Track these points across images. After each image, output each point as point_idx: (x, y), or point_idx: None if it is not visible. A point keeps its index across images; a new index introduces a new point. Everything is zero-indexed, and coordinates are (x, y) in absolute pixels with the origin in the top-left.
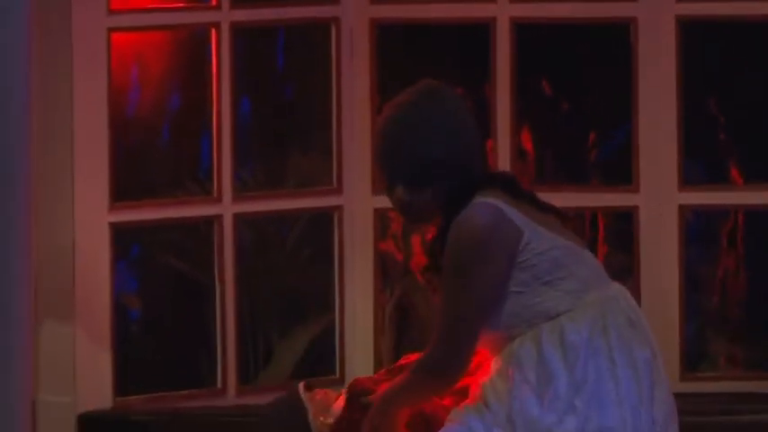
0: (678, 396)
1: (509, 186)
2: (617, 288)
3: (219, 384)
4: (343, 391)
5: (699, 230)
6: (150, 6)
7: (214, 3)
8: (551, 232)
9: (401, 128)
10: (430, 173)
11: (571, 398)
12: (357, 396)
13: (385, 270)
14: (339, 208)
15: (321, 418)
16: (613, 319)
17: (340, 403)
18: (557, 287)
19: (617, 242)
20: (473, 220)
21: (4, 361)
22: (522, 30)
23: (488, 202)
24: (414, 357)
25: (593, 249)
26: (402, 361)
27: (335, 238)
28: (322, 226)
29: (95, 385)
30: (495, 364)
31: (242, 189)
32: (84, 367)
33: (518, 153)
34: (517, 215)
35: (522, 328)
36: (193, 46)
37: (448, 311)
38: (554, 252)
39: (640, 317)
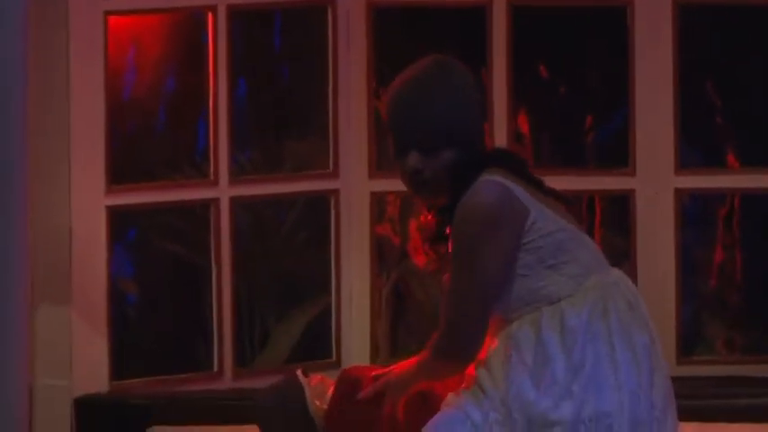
0: (674, 380)
1: (516, 166)
2: (617, 273)
3: (216, 368)
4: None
5: (695, 214)
6: None
7: None
8: (556, 214)
9: (415, 93)
10: (443, 137)
11: (569, 382)
12: (345, 385)
13: (381, 254)
14: (336, 192)
15: (317, 403)
16: (613, 303)
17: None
18: (560, 271)
19: (613, 226)
20: (481, 197)
21: (1, 345)
22: (519, 13)
23: (495, 180)
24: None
25: (590, 233)
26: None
27: (332, 221)
28: (318, 209)
29: (92, 369)
30: (491, 346)
31: (239, 172)
32: (81, 351)
33: (515, 136)
34: (524, 194)
35: (523, 311)
36: (190, 29)
37: (460, 291)
38: (559, 235)
39: (640, 302)
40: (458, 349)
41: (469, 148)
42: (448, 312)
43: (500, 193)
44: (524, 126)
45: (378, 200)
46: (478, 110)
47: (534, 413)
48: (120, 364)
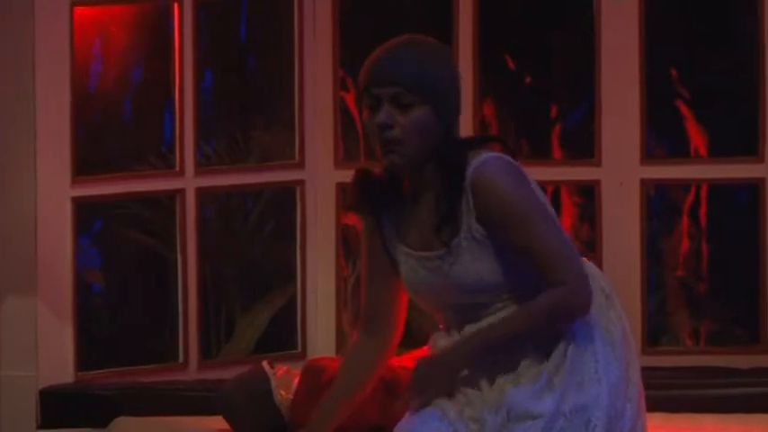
0: (640, 370)
1: (504, 147)
2: (591, 265)
3: (181, 359)
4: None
5: (661, 204)
6: None
7: None
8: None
9: (395, 47)
10: (419, 90)
11: (550, 375)
12: (311, 376)
13: (347, 244)
14: (301, 182)
15: (283, 393)
16: (594, 296)
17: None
18: None
19: (579, 216)
20: (497, 162)
21: None
22: (485, 3)
23: (495, 154)
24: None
25: None
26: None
27: (298, 212)
28: (284, 200)
29: (57, 360)
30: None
31: (204, 163)
32: (46, 342)
33: (481, 126)
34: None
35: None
36: (156, 20)
37: (552, 247)
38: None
39: (615, 294)
40: (585, 298)
41: (445, 116)
42: (553, 274)
43: (508, 158)
44: (490, 116)
45: (343, 190)
46: (457, 83)
47: (515, 406)
48: (86, 356)
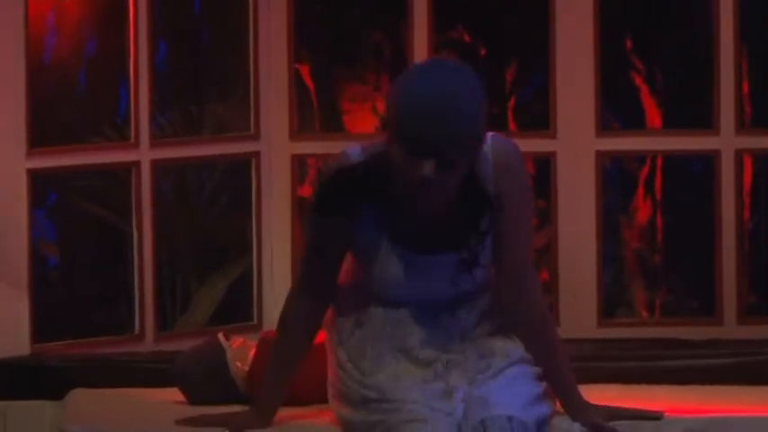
0: (596, 342)
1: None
2: None
3: (137, 331)
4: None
5: (616, 176)
6: None
7: None
8: None
9: (444, 102)
10: (464, 153)
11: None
12: (266, 347)
13: (303, 215)
14: (257, 154)
15: (239, 365)
16: None
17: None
18: None
19: (534, 188)
20: (514, 145)
21: None
22: None
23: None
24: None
25: None
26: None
27: (253, 184)
28: (240, 172)
29: (13, 332)
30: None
31: (160, 135)
32: (2, 314)
33: None
34: None
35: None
36: None
37: (529, 243)
38: None
39: None
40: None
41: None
42: (527, 268)
43: None
44: None
45: (299, 162)
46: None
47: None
48: (42, 327)
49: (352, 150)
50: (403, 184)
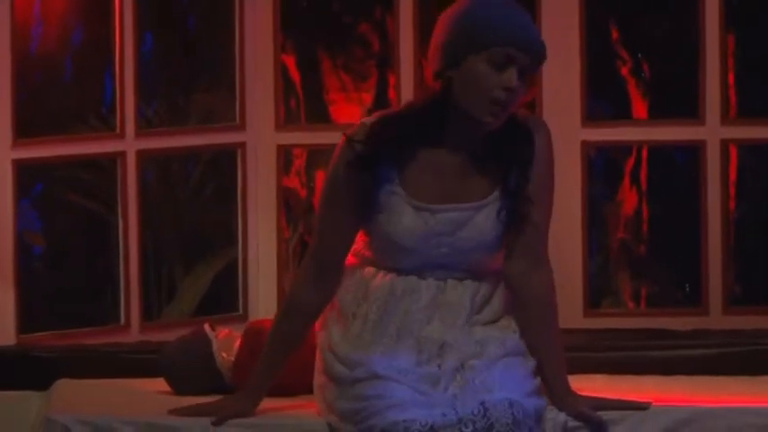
0: (581, 332)
1: None
2: None
3: (123, 321)
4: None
5: (602, 166)
6: None
7: None
8: None
9: (521, 8)
10: (539, 62)
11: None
12: (252, 338)
13: (288, 206)
14: (242, 144)
15: (224, 355)
16: None
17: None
18: None
19: None
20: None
21: None
22: None
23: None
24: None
25: None
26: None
27: (239, 174)
28: (225, 162)
29: None
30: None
31: (145, 125)
32: None
33: (421, 83)
34: None
35: None
36: None
37: (548, 220)
38: None
39: None
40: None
41: None
42: (543, 247)
43: None
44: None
45: (285, 152)
46: None
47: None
48: (28, 318)
49: (369, 120)
50: (473, 105)
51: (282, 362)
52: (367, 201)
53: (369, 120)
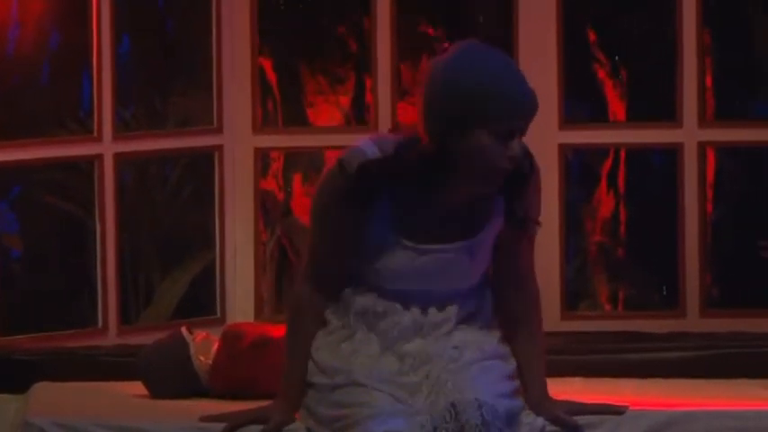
0: (559, 335)
1: None
2: None
3: (100, 324)
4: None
5: (579, 169)
6: None
7: None
8: None
9: (523, 78)
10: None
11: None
12: (229, 341)
13: (266, 209)
14: (220, 147)
15: (202, 358)
16: None
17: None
18: None
19: None
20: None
21: None
22: None
23: None
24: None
25: None
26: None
27: (216, 177)
28: (203, 165)
29: None
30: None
31: (123, 128)
32: None
33: (399, 92)
34: None
35: None
36: None
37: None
38: None
39: None
40: None
41: None
42: (530, 265)
43: None
44: (408, 81)
45: (262, 155)
46: None
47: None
48: (5, 321)
49: (365, 145)
50: (478, 176)
51: (305, 364)
52: (355, 228)
53: (366, 144)
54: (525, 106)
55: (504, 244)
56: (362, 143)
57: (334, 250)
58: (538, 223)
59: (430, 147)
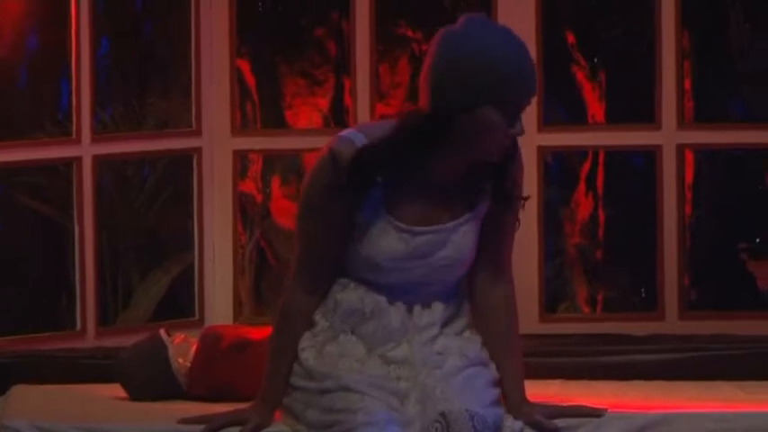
0: (537, 337)
1: None
2: None
3: (78, 326)
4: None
5: (558, 171)
6: None
7: None
8: None
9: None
10: None
11: None
12: (208, 343)
13: (244, 212)
14: (198, 149)
15: (180, 361)
16: None
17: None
18: None
19: None
20: None
21: None
22: None
23: None
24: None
25: None
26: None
27: (195, 179)
28: (182, 167)
29: None
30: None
31: (101, 131)
32: None
33: (378, 94)
34: None
35: None
36: None
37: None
38: None
39: None
40: None
41: None
42: (507, 260)
43: None
44: (387, 84)
45: (240, 157)
46: None
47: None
48: None
49: (351, 134)
50: (481, 150)
51: (289, 368)
52: (349, 218)
53: (351, 133)
54: (534, 86)
55: (489, 229)
56: (347, 133)
57: (329, 246)
58: (524, 198)
59: (433, 120)
